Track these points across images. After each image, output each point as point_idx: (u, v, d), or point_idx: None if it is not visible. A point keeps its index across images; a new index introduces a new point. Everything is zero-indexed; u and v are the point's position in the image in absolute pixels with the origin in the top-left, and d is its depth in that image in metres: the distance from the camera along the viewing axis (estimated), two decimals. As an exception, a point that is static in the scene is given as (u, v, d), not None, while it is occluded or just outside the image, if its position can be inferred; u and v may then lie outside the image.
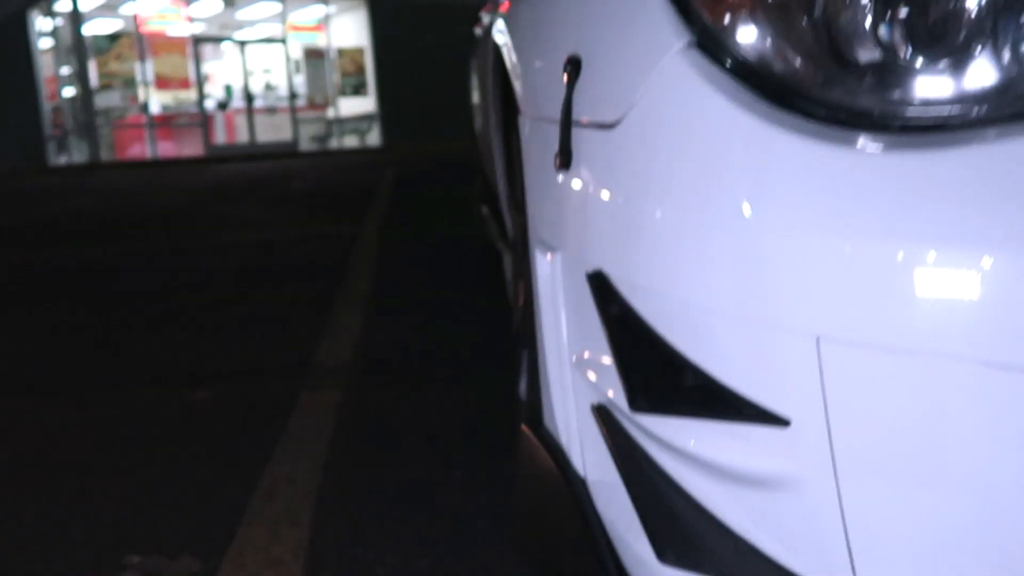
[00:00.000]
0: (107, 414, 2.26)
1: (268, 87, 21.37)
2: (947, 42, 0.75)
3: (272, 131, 21.65)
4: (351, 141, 22.61)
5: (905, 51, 0.76)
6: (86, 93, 18.40)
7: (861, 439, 0.73)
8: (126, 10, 18.66)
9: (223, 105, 20.72)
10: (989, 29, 0.75)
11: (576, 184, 1.00)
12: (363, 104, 22.54)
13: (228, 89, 20.75)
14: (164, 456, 1.95)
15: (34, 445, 2.08)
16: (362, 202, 7.10)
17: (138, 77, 19.02)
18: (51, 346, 3.02)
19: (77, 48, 18.19)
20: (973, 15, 0.75)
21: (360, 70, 22.44)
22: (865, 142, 0.74)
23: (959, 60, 0.75)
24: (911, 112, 0.75)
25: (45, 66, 20.11)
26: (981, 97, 0.74)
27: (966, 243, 0.68)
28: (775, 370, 0.76)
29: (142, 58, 18.92)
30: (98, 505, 1.72)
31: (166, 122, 20.02)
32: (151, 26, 18.98)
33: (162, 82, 19.50)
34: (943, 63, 0.75)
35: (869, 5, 0.77)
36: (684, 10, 0.86)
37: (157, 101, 19.59)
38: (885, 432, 0.72)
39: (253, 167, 14.79)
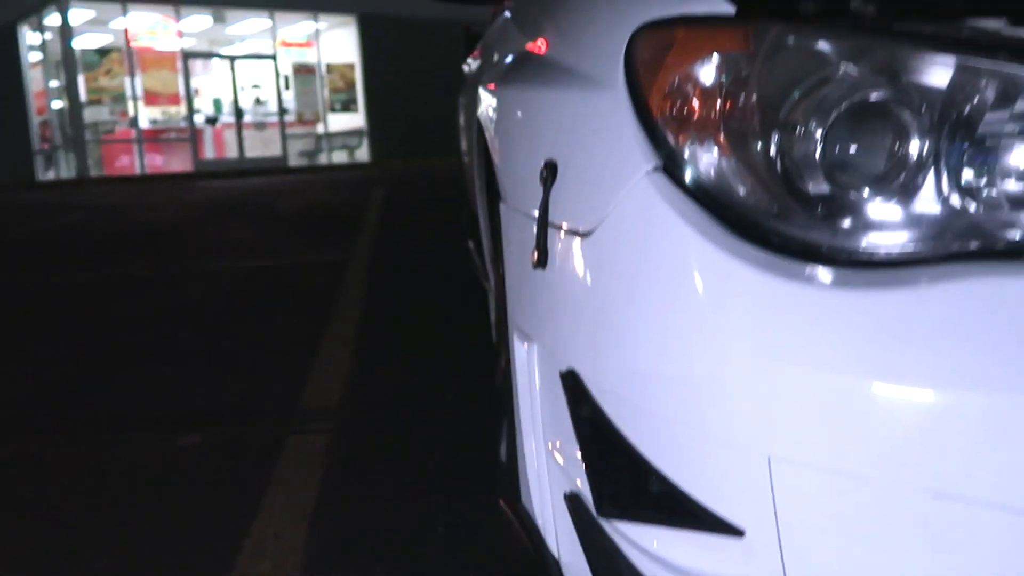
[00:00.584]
0: (97, 458, 2.31)
1: (258, 102, 21.41)
2: (893, 179, 0.82)
3: (261, 146, 21.67)
4: (340, 157, 22.65)
5: (854, 187, 0.82)
6: (75, 107, 18.40)
7: (810, 553, 0.79)
8: (116, 25, 18.69)
9: (212, 120, 20.75)
10: (933, 168, 0.81)
11: (551, 283, 1.06)
12: (352, 120, 22.62)
13: (217, 103, 20.79)
14: (154, 507, 1.99)
15: (20, 491, 2.12)
16: (351, 225, 7.15)
17: (127, 92, 19.04)
18: (43, 380, 3.06)
19: (66, 62, 18.19)
20: (916, 156, 0.81)
21: (350, 86, 22.52)
22: (814, 275, 0.80)
23: (905, 198, 0.81)
24: (859, 247, 0.81)
25: (34, 80, 20.11)
26: (926, 234, 0.80)
27: (909, 378, 0.74)
28: (731, 484, 0.82)
29: (131, 73, 18.94)
30: (87, 559, 1.76)
31: (155, 137, 20.03)
32: (141, 41, 19.01)
33: (151, 97, 19.52)
34: (890, 200, 0.81)
35: (819, 142, 0.83)
36: (652, 135, 0.92)
37: (146, 116, 19.61)
38: (832, 549, 0.78)
39: (242, 184, 14.80)
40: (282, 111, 21.74)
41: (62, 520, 1.95)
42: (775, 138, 0.84)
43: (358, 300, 4.17)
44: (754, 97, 0.86)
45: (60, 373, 3.15)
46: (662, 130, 0.91)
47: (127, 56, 19.13)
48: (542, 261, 1.07)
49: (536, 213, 1.09)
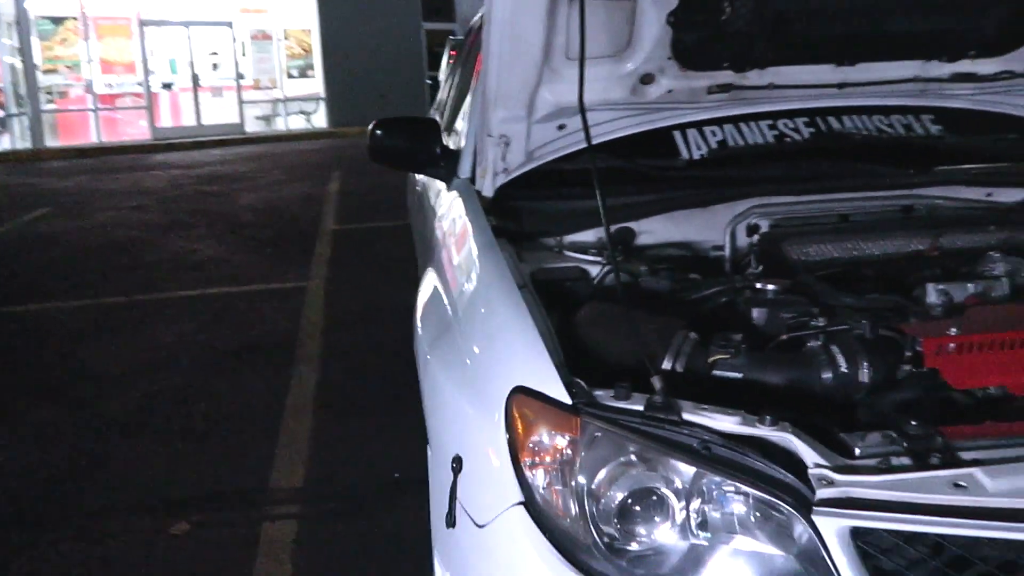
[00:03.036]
0: (93, 553, 2.79)
1: (214, 68, 21.39)
2: (663, 535, 1.33)
3: (218, 113, 21.68)
4: (298, 122, 22.73)
5: (636, 538, 1.33)
6: (30, 76, 18.36)
7: None
8: (71, -8, 18.58)
9: (168, 85, 20.73)
10: (682, 527, 1.32)
11: (459, 546, 1.56)
12: (310, 86, 22.69)
13: (172, 64, 20.72)
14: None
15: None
16: (310, 232, 7.61)
17: (83, 59, 19.01)
18: (23, 457, 3.52)
19: (21, 30, 18.10)
20: (674, 519, 1.32)
21: (307, 51, 22.56)
22: (607, 601, 1.31)
23: (665, 554, 1.32)
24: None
25: (-13, 48, 19.94)
26: (669, 570, 1.31)
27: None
28: None
29: (87, 40, 18.89)
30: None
31: (111, 103, 20.00)
32: (97, 8, 18.93)
33: (107, 65, 19.50)
34: (661, 551, 1.32)
35: (615, 506, 1.34)
36: (520, 476, 1.42)
37: (103, 83, 19.58)
38: None
39: (200, 159, 15.00)
40: (239, 76, 21.72)
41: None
42: (586, 499, 1.35)
43: (319, 346, 4.65)
44: (575, 468, 1.36)
45: (39, 458, 3.60)
46: (526, 475, 1.41)
47: (83, 23, 19.04)
48: (451, 524, 1.57)
49: (449, 475, 1.59)
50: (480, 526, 1.48)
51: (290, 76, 22.86)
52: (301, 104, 23.05)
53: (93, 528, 2.92)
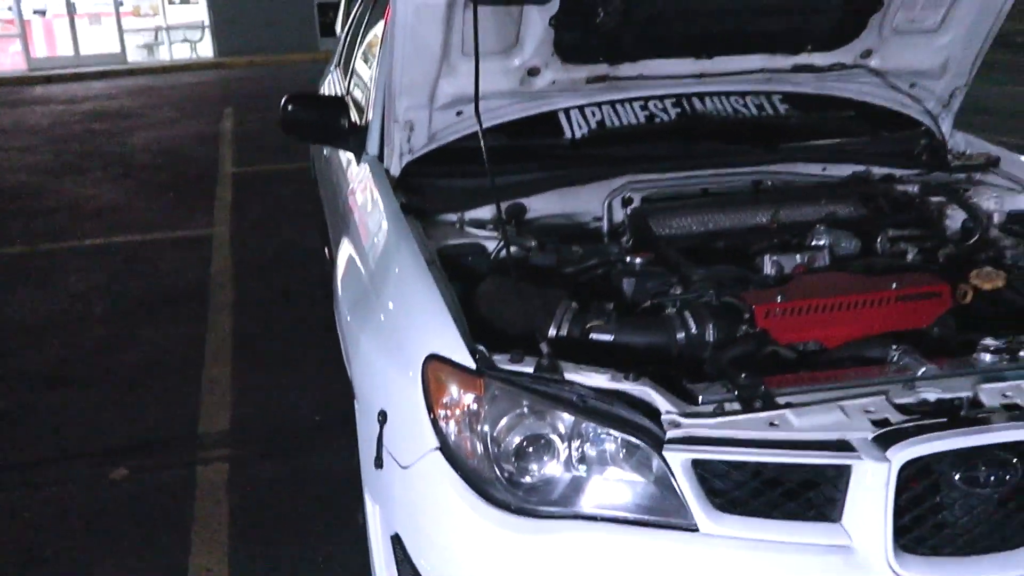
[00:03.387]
0: (36, 497, 3.04)
1: (92, -7, 20.56)
2: (551, 470, 1.70)
3: (97, 42, 20.89)
4: (182, 51, 22.06)
5: (529, 474, 1.70)
6: None
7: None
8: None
9: (42, 11, 19.88)
10: (568, 467, 1.69)
11: (386, 483, 1.91)
12: (193, 12, 22.00)
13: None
14: (103, 545, 2.77)
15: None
16: (209, 175, 7.71)
17: (-52, -14, 18.07)
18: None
19: None
20: (561, 460, 1.69)
21: (189, -24, 21.84)
22: (505, 520, 1.68)
23: (552, 483, 1.69)
24: (530, 507, 1.69)
25: None
26: (565, 502, 1.68)
27: (543, 578, 1.64)
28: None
29: (-50, -35, 17.93)
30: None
31: (-19, 32, 19.10)
32: (-41, -70, 17.94)
33: (-26, -8, 18.57)
34: (548, 482, 1.69)
35: (512, 447, 1.70)
36: (435, 427, 1.76)
37: (-30, 12, 18.68)
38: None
39: (82, 93, 14.59)
40: (118, 2, 20.96)
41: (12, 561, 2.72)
42: (489, 443, 1.71)
43: (230, 292, 4.88)
44: (480, 419, 1.72)
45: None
46: (441, 426, 1.76)
47: (-56, -53, 18.02)
48: (379, 466, 1.92)
49: (376, 426, 1.93)
50: (404, 467, 1.83)
51: (171, 2, 22.14)
52: (185, 32, 22.36)
53: (34, 476, 3.16)
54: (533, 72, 2.51)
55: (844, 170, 2.73)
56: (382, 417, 1.92)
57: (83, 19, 20.71)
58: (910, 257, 2.28)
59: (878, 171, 2.73)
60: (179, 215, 6.69)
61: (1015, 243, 2.37)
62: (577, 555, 1.64)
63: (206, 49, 22.59)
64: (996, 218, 2.54)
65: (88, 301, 4.92)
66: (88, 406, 3.70)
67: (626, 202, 2.54)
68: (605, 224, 2.53)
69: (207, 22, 21.97)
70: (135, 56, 21.68)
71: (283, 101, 2.93)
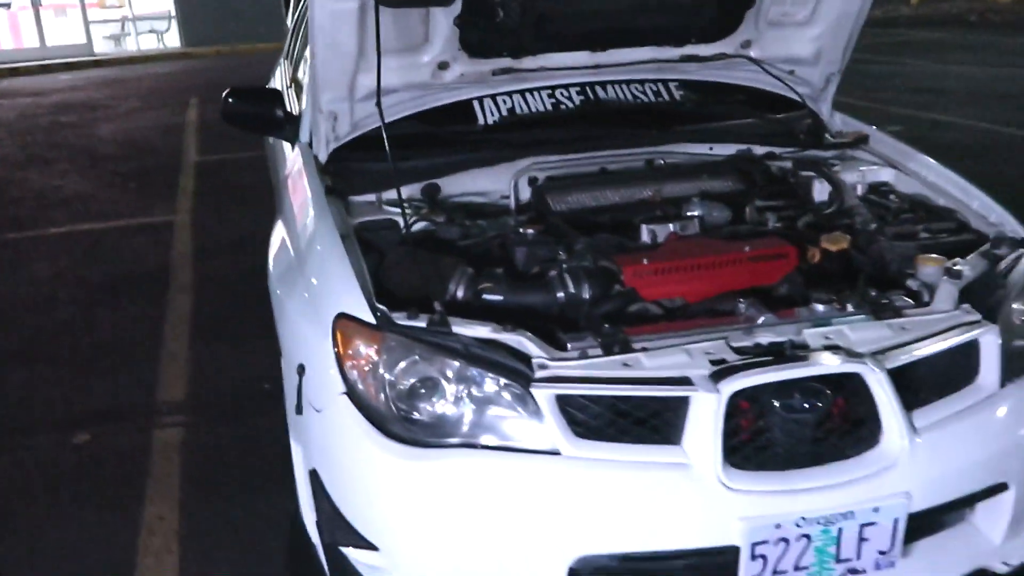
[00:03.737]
0: (2, 460, 3.31)
1: (55, -14, 20.57)
2: (440, 409, 2.00)
3: (63, 33, 20.92)
4: (149, 42, 22.12)
5: (419, 412, 2.00)
6: None
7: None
8: None
9: (6, 4, 19.91)
10: (456, 403, 1.99)
11: (305, 426, 2.21)
12: (160, 3, 22.04)
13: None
14: (64, 501, 3.06)
15: None
16: (173, 165, 7.94)
17: (-91, -21, 18.05)
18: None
19: None
20: (449, 400, 1.99)
21: (154, -34, 21.88)
22: (401, 451, 1.98)
23: (443, 419, 1.99)
24: (422, 439, 1.99)
25: None
26: (450, 435, 1.99)
27: (433, 500, 1.94)
28: (370, 522, 2.01)
29: (-87, -42, 17.90)
30: (23, 542, 2.83)
31: (-55, 26, 19.10)
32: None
33: (-63, -15, 18.56)
34: (439, 418, 1.99)
35: (406, 390, 2.00)
36: (343, 375, 2.06)
37: (-67, 5, 18.66)
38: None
39: (49, 85, 14.71)
40: (83, -6, 20.97)
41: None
42: (387, 387, 2.01)
43: (189, 274, 5.15)
44: (380, 366, 2.01)
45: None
46: (348, 374, 2.05)
47: (-94, -60, 18.00)
48: (299, 411, 2.21)
49: (296, 377, 2.22)
50: (318, 411, 2.12)
51: (137, -8, 22.16)
52: (152, 22, 22.40)
53: (2, 442, 3.44)
54: (443, 66, 2.80)
55: (729, 149, 3.03)
56: (301, 370, 2.22)
57: (48, 11, 20.72)
58: (771, 224, 2.59)
59: (760, 150, 3.03)
60: (143, 203, 6.93)
61: (868, 211, 2.69)
62: (460, 477, 1.95)
63: (173, 39, 22.64)
64: (859, 189, 2.87)
65: (53, 286, 5.17)
66: (53, 380, 3.96)
67: (532, 181, 2.84)
68: (512, 201, 2.82)
69: (173, 12, 22.04)
70: (102, 47, 21.71)
71: (224, 94, 3.21)
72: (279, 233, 2.81)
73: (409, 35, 2.68)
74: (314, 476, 2.18)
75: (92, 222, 6.49)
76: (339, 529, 2.09)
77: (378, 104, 2.47)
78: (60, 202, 7.06)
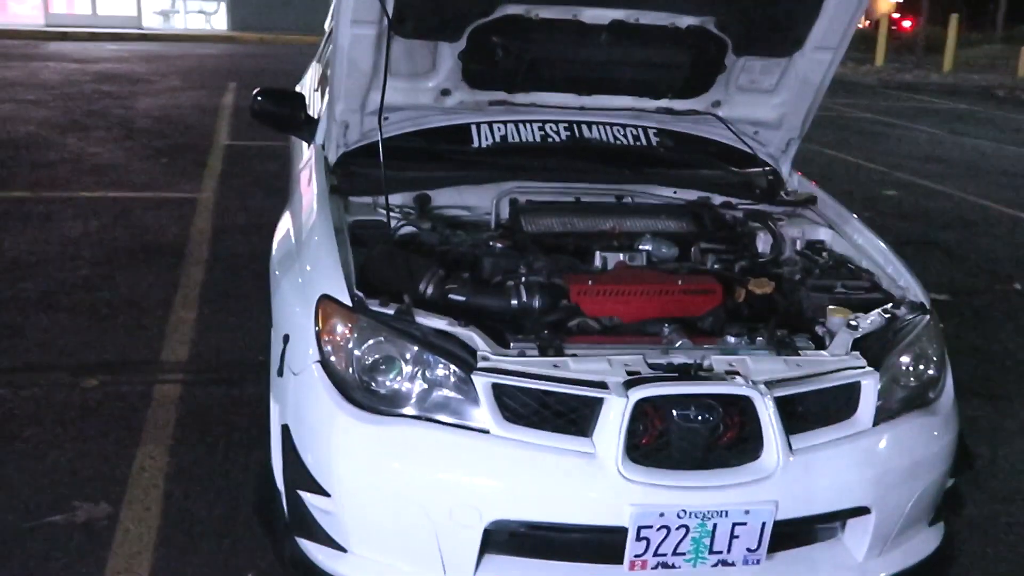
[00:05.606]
0: (20, 395, 3.71)
1: (114, -41, 21.21)
2: (401, 385, 2.37)
3: (114, 3, 21.51)
4: (197, 21, 22.70)
5: (383, 387, 2.38)
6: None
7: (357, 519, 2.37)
8: None
9: (64, -31, 20.50)
10: (413, 381, 2.37)
11: (283, 387, 2.59)
12: (212, -16, 22.66)
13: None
14: (68, 433, 3.45)
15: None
16: (204, 145, 8.36)
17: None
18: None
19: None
20: (408, 375, 2.37)
21: (211, -51, 22.49)
22: (361, 415, 2.35)
23: (400, 394, 2.36)
24: (378, 407, 2.36)
25: None
26: (399, 404, 2.36)
27: (386, 459, 2.31)
28: (321, 466, 2.39)
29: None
30: (27, 458, 3.22)
31: (4, -16, 19.73)
32: None
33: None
34: (396, 392, 2.37)
35: (377, 364, 2.38)
36: (319, 346, 2.44)
37: (-5, -38, 19.30)
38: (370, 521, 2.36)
39: (95, 53, 15.21)
40: (139, -32, 21.56)
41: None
42: (355, 360, 2.38)
43: (206, 249, 5.55)
44: (350, 343, 2.40)
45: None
46: (323, 346, 2.44)
47: (-23, -102, 18.67)
48: (280, 374, 2.60)
49: (282, 345, 2.61)
50: (295, 374, 2.51)
51: (191, -29, 22.77)
52: (201, 3, 22.98)
53: (18, 379, 3.83)
54: (445, 92, 3.20)
55: (692, 195, 3.41)
56: (286, 339, 2.61)
57: (104, -19, 21.30)
58: (710, 264, 2.97)
59: (719, 199, 3.41)
60: (171, 178, 7.37)
61: (799, 263, 3.06)
62: (405, 443, 2.32)
63: (220, 22, 23.23)
64: (798, 244, 3.24)
65: (79, 245, 5.59)
66: (71, 329, 4.37)
67: (512, 202, 3.22)
68: (493, 218, 3.21)
69: (224, -4, 22.63)
70: (150, 22, 22.31)
71: (254, 93, 3.62)
72: (285, 222, 3.21)
73: (418, 63, 3.08)
74: (285, 430, 2.56)
75: (122, 190, 6.92)
76: (299, 476, 2.46)
77: (379, 121, 2.87)
78: (94, 168, 7.50)
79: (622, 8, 2.99)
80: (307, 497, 2.46)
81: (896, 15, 38.57)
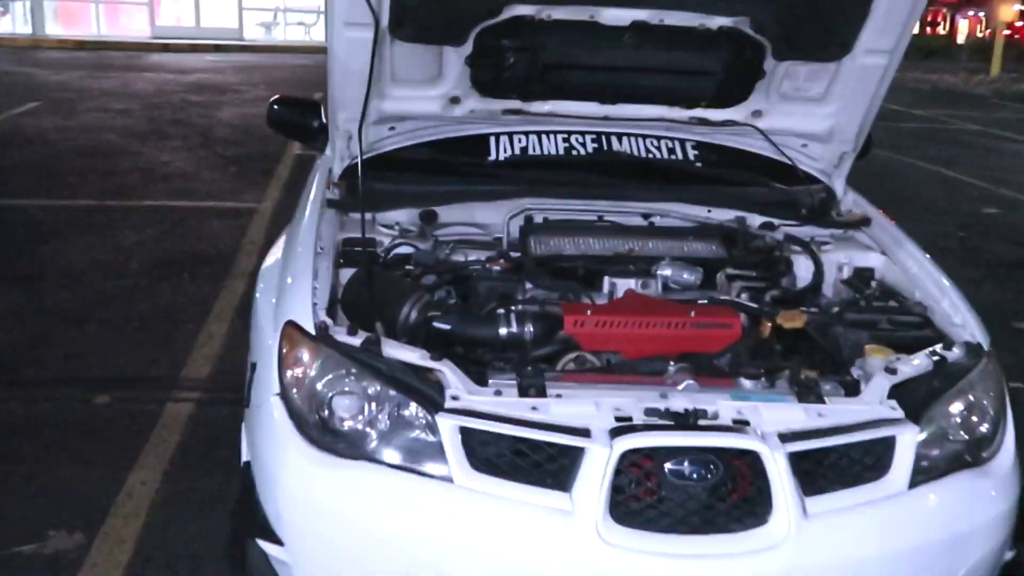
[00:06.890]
0: (31, 409, 3.62)
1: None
2: (358, 427, 2.13)
3: (218, 16, 22.07)
4: (296, 33, 23.10)
5: (341, 427, 2.14)
6: (35, -38, 18.78)
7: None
8: None
9: (171, -16, 21.14)
10: (372, 423, 2.13)
11: (248, 419, 2.38)
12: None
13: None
14: (64, 453, 3.32)
15: (-5, 430, 3.43)
16: (275, 154, 8.35)
17: (88, -49, 19.43)
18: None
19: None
20: (368, 414, 2.13)
21: (312, -38, 22.86)
22: (318, 457, 2.12)
23: (364, 436, 2.12)
24: (335, 447, 2.13)
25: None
26: (358, 445, 2.12)
27: (338, 495, 2.08)
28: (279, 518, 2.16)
29: (93, -67, 19.28)
30: (18, 476, 3.10)
31: (114, -2, 20.45)
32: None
33: (111, -42, 19.94)
34: (357, 433, 2.13)
35: (330, 403, 2.14)
36: (280, 377, 2.22)
37: (105, -24, 20.04)
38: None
39: (193, 64, 15.55)
40: (242, -17, 22.07)
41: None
42: (314, 396, 2.15)
43: (253, 262, 5.45)
44: (311, 376, 2.17)
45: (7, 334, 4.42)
46: (285, 378, 2.22)
47: (90, -85, 19.39)
48: (247, 404, 2.39)
49: (250, 375, 2.40)
50: (257, 407, 2.29)
51: (292, -15, 23.21)
52: (301, 15, 23.39)
53: (33, 392, 3.75)
54: (455, 100, 2.95)
55: (728, 214, 3.07)
56: (253, 367, 2.39)
57: (207, -1, 21.91)
58: (735, 293, 2.64)
59: (759, 219, 3.06)
60: (236, 187, 7.34)
61: (841, 293, 2.70)
62: (359, 489, 2.07)
63: (319, 33, 23.58)
64: (845, 271, 2.87)
65: (129, 255, 5.56)
66: (98, 341, 4.29)
67: (528, 219, 2.95)
68: (504, 237, 2.94)
69: (322, 7, 22.95)
70: (251, 33, 22.79)
71: (270, 101, 3.45)
72: (283, 235, 3.01)
73: (423, 69, 2.84)
74: (246, 467, 2.35)
75: (185, 199, 6.91)
76: (252, 521, 2.24)
77: (359, 131, 2.64)
78: (163, 177, 7.53)
79: (644, 8, 2.70)
80: (264, 545, 2.24)
81: (1020, 23, 36.64)
